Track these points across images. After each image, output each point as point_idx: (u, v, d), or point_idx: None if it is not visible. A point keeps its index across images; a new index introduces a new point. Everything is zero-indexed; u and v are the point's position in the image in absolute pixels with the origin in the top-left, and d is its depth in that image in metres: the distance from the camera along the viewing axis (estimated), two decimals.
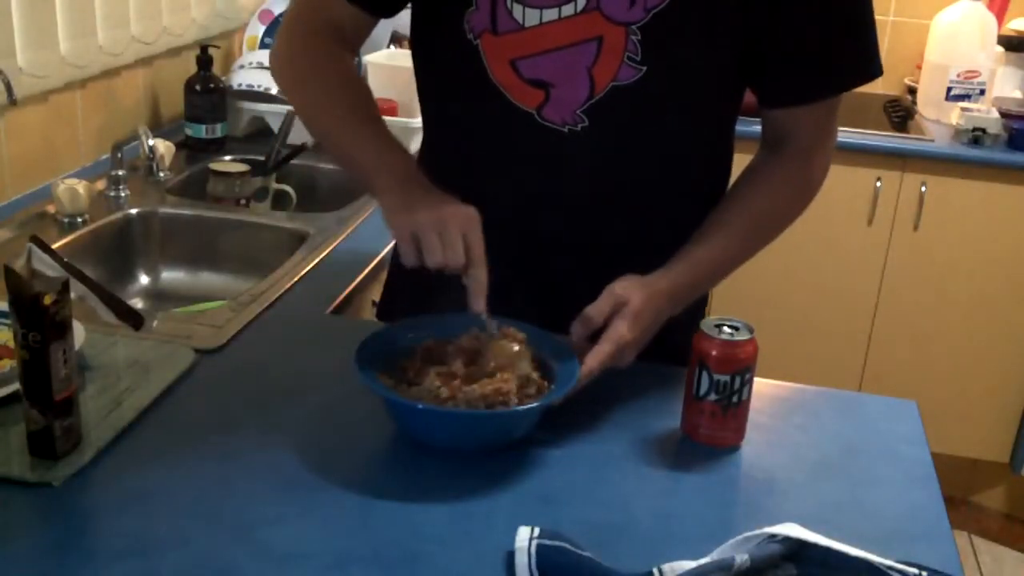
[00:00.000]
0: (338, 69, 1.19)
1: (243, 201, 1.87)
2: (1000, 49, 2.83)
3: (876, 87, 3.14)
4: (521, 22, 1.09)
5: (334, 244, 1.64)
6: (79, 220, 1.67)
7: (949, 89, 2.81)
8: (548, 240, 1.19)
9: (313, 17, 1.20)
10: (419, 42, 1.21)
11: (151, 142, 1.89)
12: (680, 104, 1.12)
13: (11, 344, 1.03)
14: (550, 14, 1.07)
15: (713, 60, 1.10)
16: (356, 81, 1.21)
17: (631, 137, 1.13)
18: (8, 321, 0.97)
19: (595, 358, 1.05)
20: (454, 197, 1.07)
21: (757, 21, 1.07)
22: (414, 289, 1.17)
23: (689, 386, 1.08)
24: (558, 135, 1.12)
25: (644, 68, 1.07)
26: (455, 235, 1.02)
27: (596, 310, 1.06)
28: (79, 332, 1.12)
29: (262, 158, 1.99)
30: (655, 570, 0.85)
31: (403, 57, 2.40)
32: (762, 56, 1.10)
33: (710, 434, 1.08)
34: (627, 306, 1.06)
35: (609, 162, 1.14)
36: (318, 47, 1.19)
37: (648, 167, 1.16)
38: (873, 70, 1.13)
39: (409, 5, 1.19)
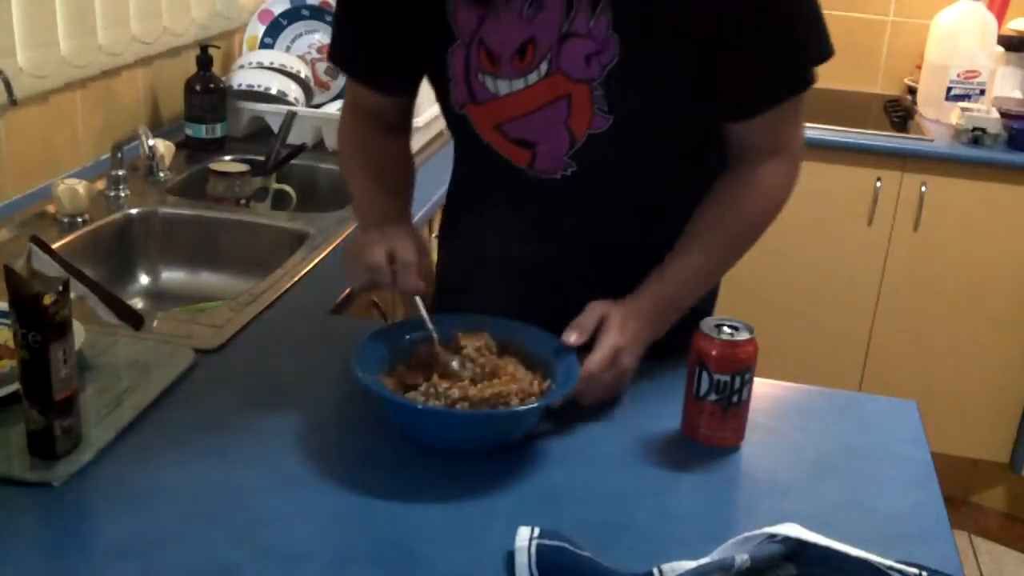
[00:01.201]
0: (364, 142, 1.32)
1: (243, 201, 1.87)
2: (1000, 49, 2.83)
3: (876, 87, 3.14)
4: (495, 91, 1.17)
5: (334, 244, 1.64)
6: (79, 220, 1.67)
7: (949, 89, 2.81)
8: (555, 269, 1.25)
9: (353, 106, 1.34)
10: None
11: (151, 142, 1.89)
12: (656, 141, 1.19)
13: (11, 344, 1.03)
14: (518, 83, 1.16)
15: (674, 98, 1.16)
16: (379, 152, 1.32)
17: (618, 173, 1.20)
18: (8, 321, 0.97)
19: (593, 361, 1.08)
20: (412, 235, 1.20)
21: (703, 56, 1.11)
22: (465, 261, 1.32)
23: (689, 386, 1.08)
24: (552, 182, 1.21)
25: (612, 117, 1.14)
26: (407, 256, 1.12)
27: (586, 319, 1.12)
28: (79, 332, 1.12)
29: (262, 158, 1.99)
30: (655, 570, 0.85)
31: None
32: (711, 81, 1.14)
33: (710, 434, 1.08)
34: (611, 317, 1.11)
35: (603, 196, 1.22)
36: (356, 130, 1.33)
37: (640, 195, 1.23)
38: (808, 78, 1.15)
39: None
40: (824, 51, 1.14)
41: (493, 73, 1.16)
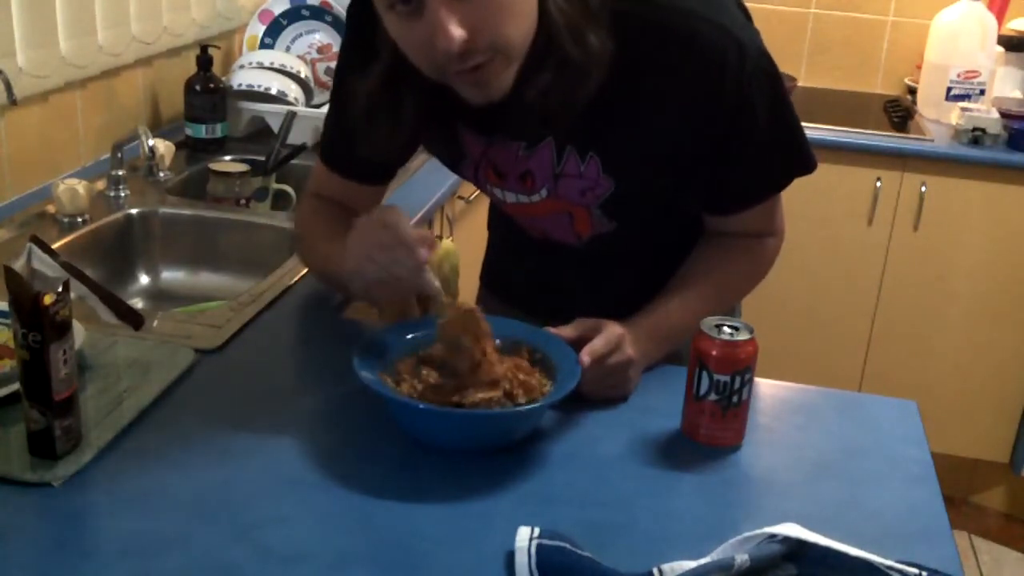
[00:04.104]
0: (330, 215, 1.30)
1: (243, 201, 1.87)
2: (1000, 49, 2.83)
3: (876, 87, 3.15)
4: (503, 199, 1.25)
5: None
6: (79, 220, 1.67)
7: (949, 89, 2.81)
8: (565, 296, 1.34)
9: (318, 196, 1.34)
10: None
11: (151, 142, 1.88)
12: (657, 224, 1.28)
13: (11, 344, 1.03)
14: (523, 198, 1.23)
15: (670, 202, 1.24)
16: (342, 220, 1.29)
17: (624, 242, 1.27)
18: (8, 321, 0.97)
19: (598, 342, 1.10)
20: None
21: (695, 170, 1.17)
22: (513, 253, 1.44)
23: (689, 386, 1.08)
24: (563, 245, 1.29)
25: (615, 223, 1.22)
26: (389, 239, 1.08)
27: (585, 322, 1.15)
28: (79, 332, 1.12)
29: (262, 158, 1.99)
30: (655, 570, 0.85)
31: None
32: (704, 183, 1.20)
33: (710, 434, 1.08)
34: (608, 325, 1.14)
35: (608, 255, 1.30)
36: (320, 209, 1.32)
37: (642, 252, 1.31)
38: (786, 182, 1.21)
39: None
40: (804, 166, 1.20)
41: (500, 186, 1.23)
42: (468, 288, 1.60)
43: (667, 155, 1.15)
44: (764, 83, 1.10)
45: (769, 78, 1.11)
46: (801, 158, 1.19)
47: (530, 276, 1.42)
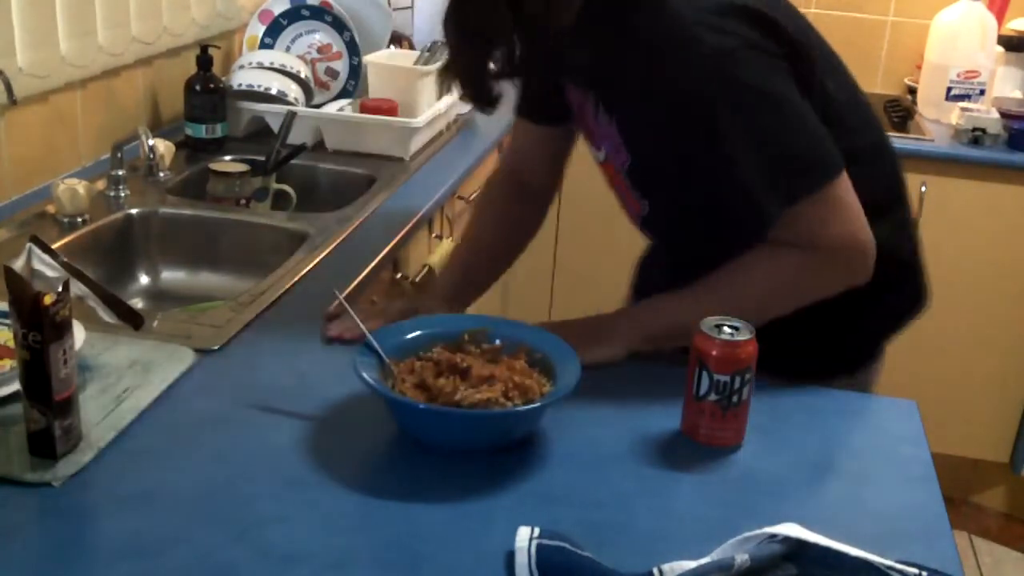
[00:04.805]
0: (484, 212, 1.52)
1: (243, 201, 1.87)
2: (1000, 49, 2.83)
3: (876, 87, 3.14)
4: (595, 157, 1.33)
5: (334, 244, 1.64)
6: (79, 220, 1.67)
7: (949, 89, 2.81)
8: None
9: (506, 158, 1.52)
10: None
11: (151, 142, 1.88)
12: (695, 221, 1.26)
13: (11, 344, 1.03)
14: (600, 156, 1.31)
15: (690, 192, 1.23)
16: (492, 222, 1.50)
17: (676, 242, 1.34)
18: (8, 321, 0.97)
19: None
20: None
21: (702, 161, 1.17)
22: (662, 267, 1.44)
23: (689, 386, 1.08)
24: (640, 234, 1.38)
25: (647, 202, 1.28)
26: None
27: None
28: (79, 332, 1.12)
29: (262, 158, 1.99)
30: (655, 570, 0.85)
31: (403, 57, 2.39)
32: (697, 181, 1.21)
33: (710, 434, 1.08)
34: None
35: (674, 265, 1.36)
36: (495, 190, 1.52)
37: (699, 247, 1.27)
38: (772, 219, 1.15)
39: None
40: (796, 191, 1.14)
41: (591, 141, 1.32)
42: None
43: (655, 128, 1.19)
44: (717, 83, 1.10)
45: (727, 80, 1.10)
46: (789, 186, 1.14)
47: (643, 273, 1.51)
